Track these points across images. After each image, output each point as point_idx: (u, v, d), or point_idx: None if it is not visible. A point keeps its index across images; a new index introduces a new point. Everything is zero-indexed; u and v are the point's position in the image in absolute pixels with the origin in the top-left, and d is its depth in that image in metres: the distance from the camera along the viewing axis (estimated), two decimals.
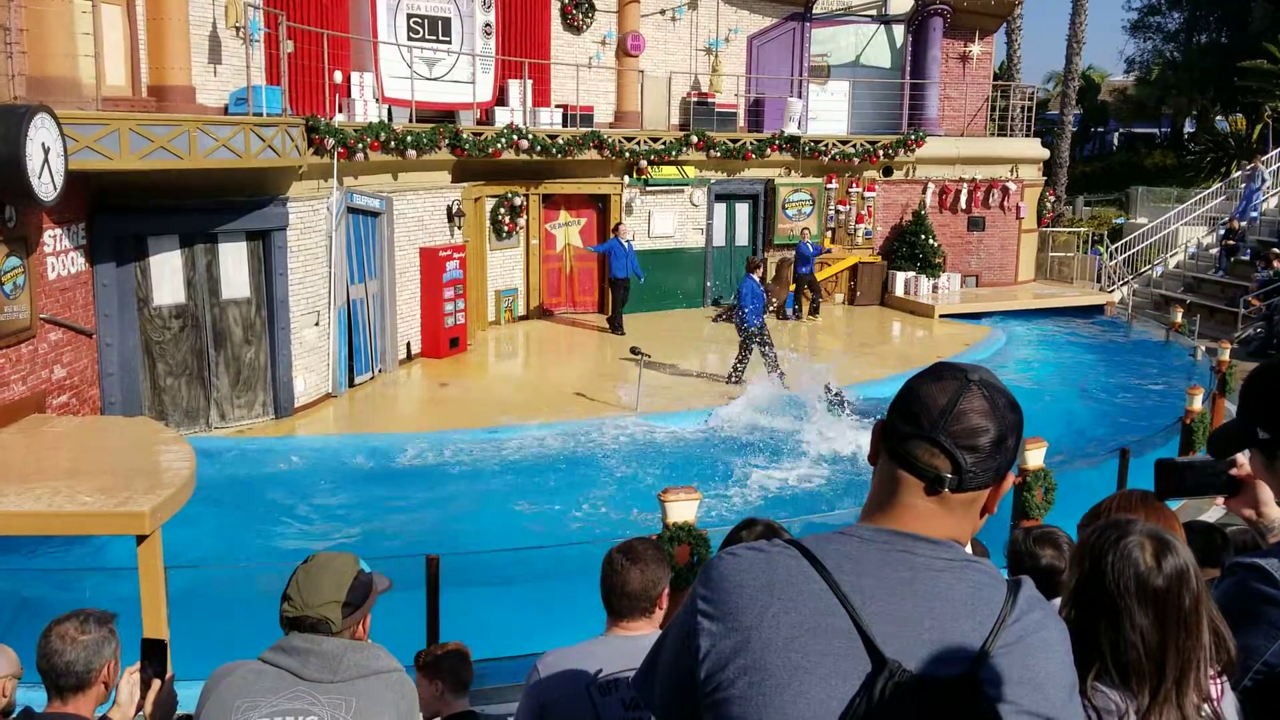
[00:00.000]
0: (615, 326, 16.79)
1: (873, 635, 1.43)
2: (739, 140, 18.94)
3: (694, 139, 18.35)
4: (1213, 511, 9.94)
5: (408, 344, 14.80)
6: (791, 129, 19.55)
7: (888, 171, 20.56)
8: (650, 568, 2.91)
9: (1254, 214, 23.39)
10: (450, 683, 4.10)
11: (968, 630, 1.45)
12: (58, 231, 9.60)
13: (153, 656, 2.95)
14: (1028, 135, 22.44)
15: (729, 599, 1.51)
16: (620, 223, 17.28)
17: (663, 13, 19.68)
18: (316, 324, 12.50)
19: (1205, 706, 1.90)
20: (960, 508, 1.56)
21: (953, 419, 1.53)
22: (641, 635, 2.88)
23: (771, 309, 18.04)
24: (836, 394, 12.44)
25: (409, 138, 13.94)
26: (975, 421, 1.53)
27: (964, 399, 1.54)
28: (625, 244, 16.60)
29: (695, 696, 1.52)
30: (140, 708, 2.98)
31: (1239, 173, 25.68)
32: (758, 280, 13.59)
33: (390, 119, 14.57)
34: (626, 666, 2.81)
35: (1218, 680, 1.97)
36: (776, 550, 1.55)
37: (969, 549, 1.62)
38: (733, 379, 13.58)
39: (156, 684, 2.94)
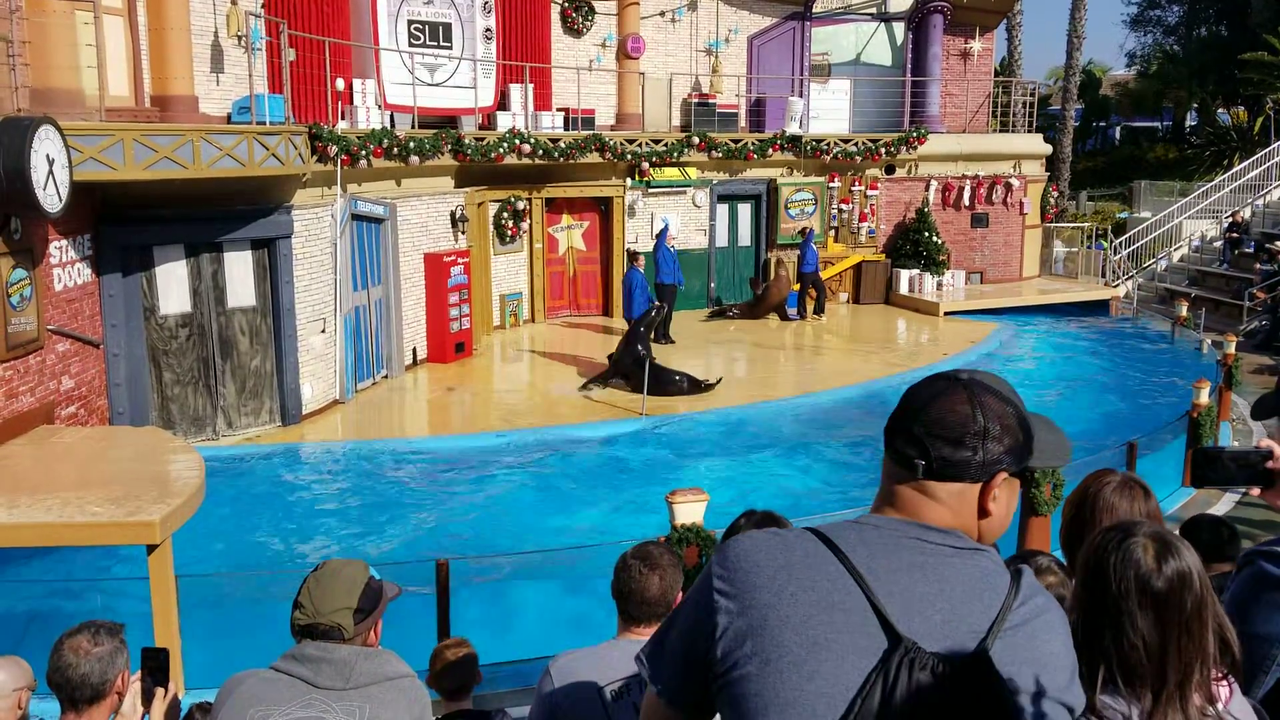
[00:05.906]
0: (662, 336, 16.07)
1: (888, 614, 1.48)
2: (740, 141, 18.94)
3: (695, 140, 18.35)
4: (1221, 505, 9.92)
5: (413, 349, 14.82)
6: (793, 128, 19.54)
7: (890, 169, 20.54)
8: (668, 574, 2.91)
9: None
10: (445, 688, 4.12)
11: (977, 612, 1.51)
12: (63, 243, 9.63)
13: (153, 665, 2.94)
14: (1030, 131, 22.42)
15: (747, 578, 1.54)
16: (665, 226, 17.09)
17: (662, 14, 19.69)
18: (322, 331, 12.52)
19: (1210, 710, 1.89)
20: (949, 498, 1.60)
21: (926, 411, 1.60)
22: None
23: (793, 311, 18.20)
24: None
25: (412, 144, 13.96)
26: (946, 415, 1.59)
27: (945, 396, 1.61)
28: (670, 248, 16.39)
29: (706, 675, 1.55)
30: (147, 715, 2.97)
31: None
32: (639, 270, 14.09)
33: (393, 125, 14.61)
34: (639, 671, 2.80)
35: (1225, 682, 1.95)
36: (792, 534, 1.60)
37: None
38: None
39: (161, 692, 2.93)
